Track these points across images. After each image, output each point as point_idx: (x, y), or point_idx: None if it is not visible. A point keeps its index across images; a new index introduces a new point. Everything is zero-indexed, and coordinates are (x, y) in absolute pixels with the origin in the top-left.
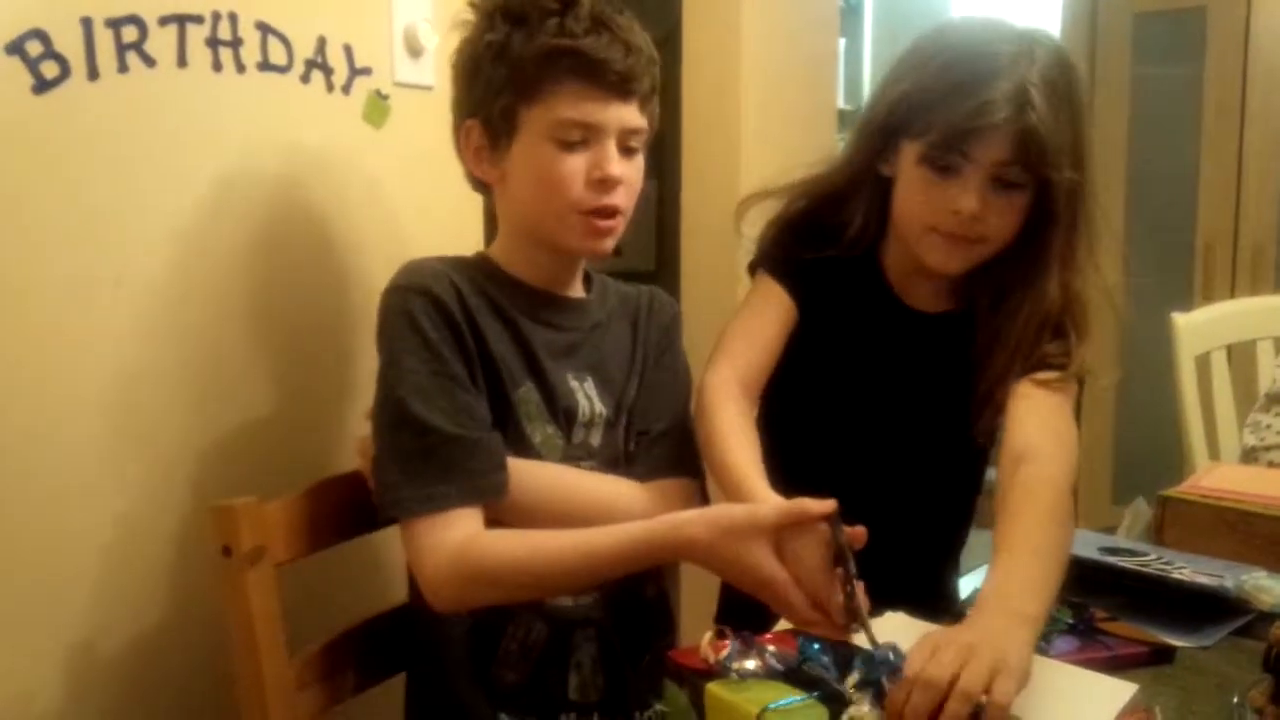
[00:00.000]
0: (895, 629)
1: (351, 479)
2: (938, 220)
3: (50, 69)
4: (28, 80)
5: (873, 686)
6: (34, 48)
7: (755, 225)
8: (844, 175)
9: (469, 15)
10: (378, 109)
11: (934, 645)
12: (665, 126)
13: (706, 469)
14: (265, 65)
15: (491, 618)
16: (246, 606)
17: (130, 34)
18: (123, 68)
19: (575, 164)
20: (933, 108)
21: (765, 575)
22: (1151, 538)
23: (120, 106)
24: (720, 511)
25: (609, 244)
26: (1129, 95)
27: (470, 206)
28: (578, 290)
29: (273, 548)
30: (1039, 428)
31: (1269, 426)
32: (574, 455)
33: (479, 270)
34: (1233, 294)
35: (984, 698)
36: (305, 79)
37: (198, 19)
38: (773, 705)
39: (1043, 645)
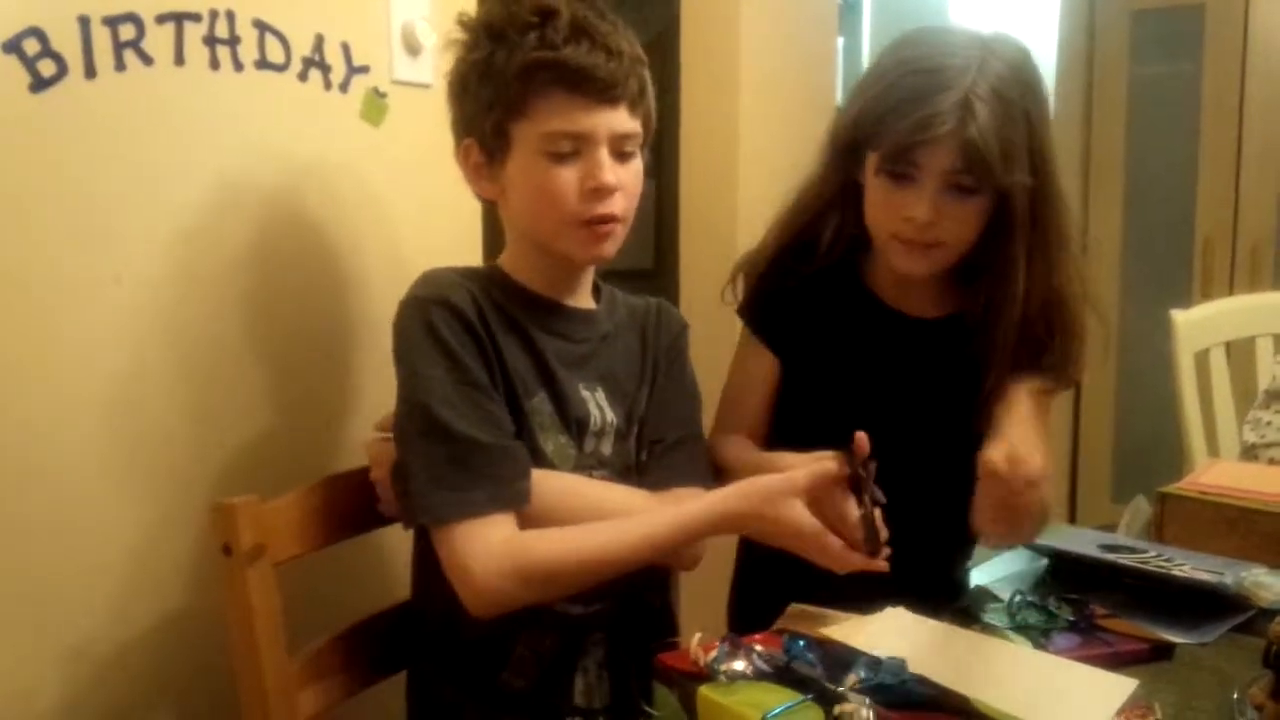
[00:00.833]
0: (897, 626)
1: (351, 478)
2: (896, 227)
3: (47, 67)
4: (25, 79)
5: (872, 689)
6: (31, 46)
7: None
8: (815, 191)
9: (459, 34)
10: (376, 107)
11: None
12: (663, 125)
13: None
14: (263, 63)
15: (505, 625)
16: (247, 605)
17: (127, 32)
18: (120, 66)
19: (568, 176)
20: (884, 121)
21: (804, 529)
22: (1151, 535)
23: (118, 105)
24: (754, 482)
25: (610, 249)
26: (1127, 93)
27: (469, 204)
28: (587, 301)
29: (273, 546)
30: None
31: (1269, 423)
32: (585, 465)
33: (491, 281)
34: (1231, 291)
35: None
36: (303, 77)
37: (195, 17)
38: (771, 714)
39: (1043, 642)
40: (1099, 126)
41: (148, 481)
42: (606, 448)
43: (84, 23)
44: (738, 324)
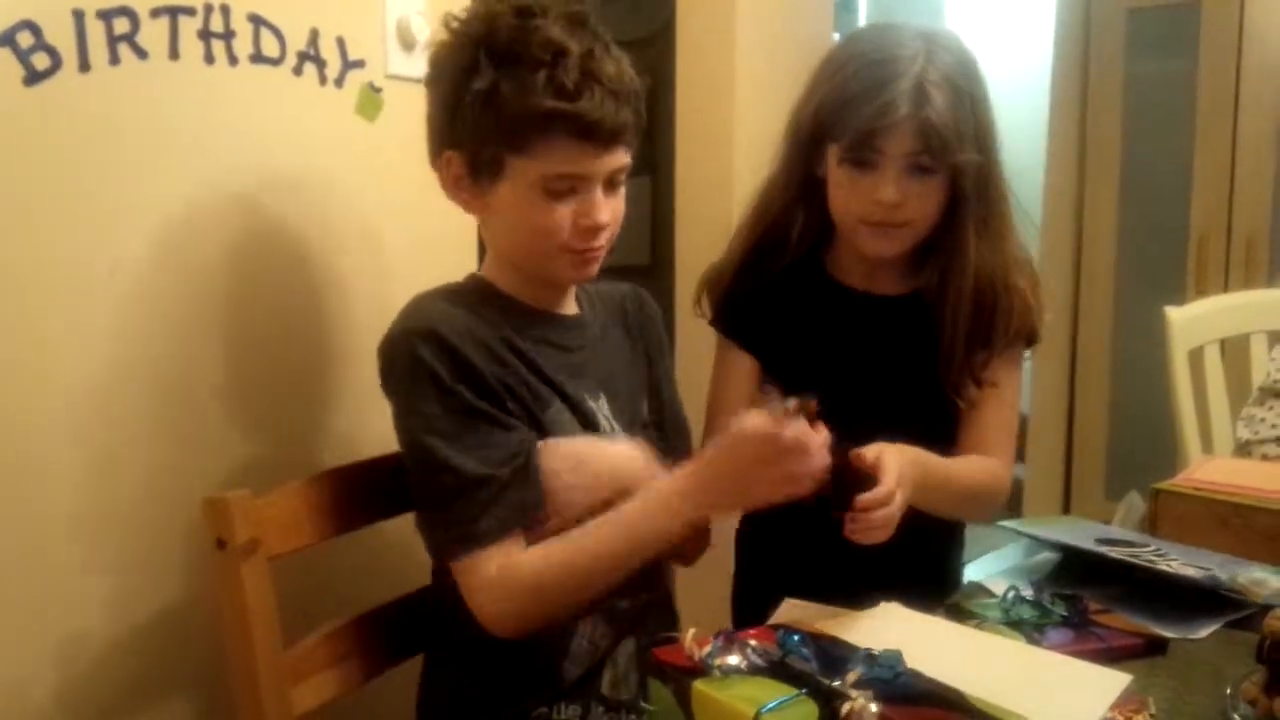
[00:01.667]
0: (890, 621)
1: (346, 473)
2: (865, 212)
3: (41, 60)
4: (19, 72)
5: (872, 685)
6: (25, 39)
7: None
8: (779, 190)
9: (446, 36)
10: (371, 102)
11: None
12: (659, 121)
13: None
14: (257, 57)
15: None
16: (241, 599)
17: (122, 25)
18: (114, 59)
19: (563, 212)
20: (843, 112)
21: (783, 443)
22: (1145, 531)
23: (112, 98)
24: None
25: (595, 271)
26: (1122, 90)
27: None
28: (572, 307)
29: (267, 540)
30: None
31: (1263, 420)
32: None
33: (482, 300)
34: (1226, 288)
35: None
36: (298, 71)
37: (189, 11)
38: (766, 708)
39: (1036, 637)
40: (1094, 123)
41: (139, 475)
42: None
43: (78, 16)
44: None
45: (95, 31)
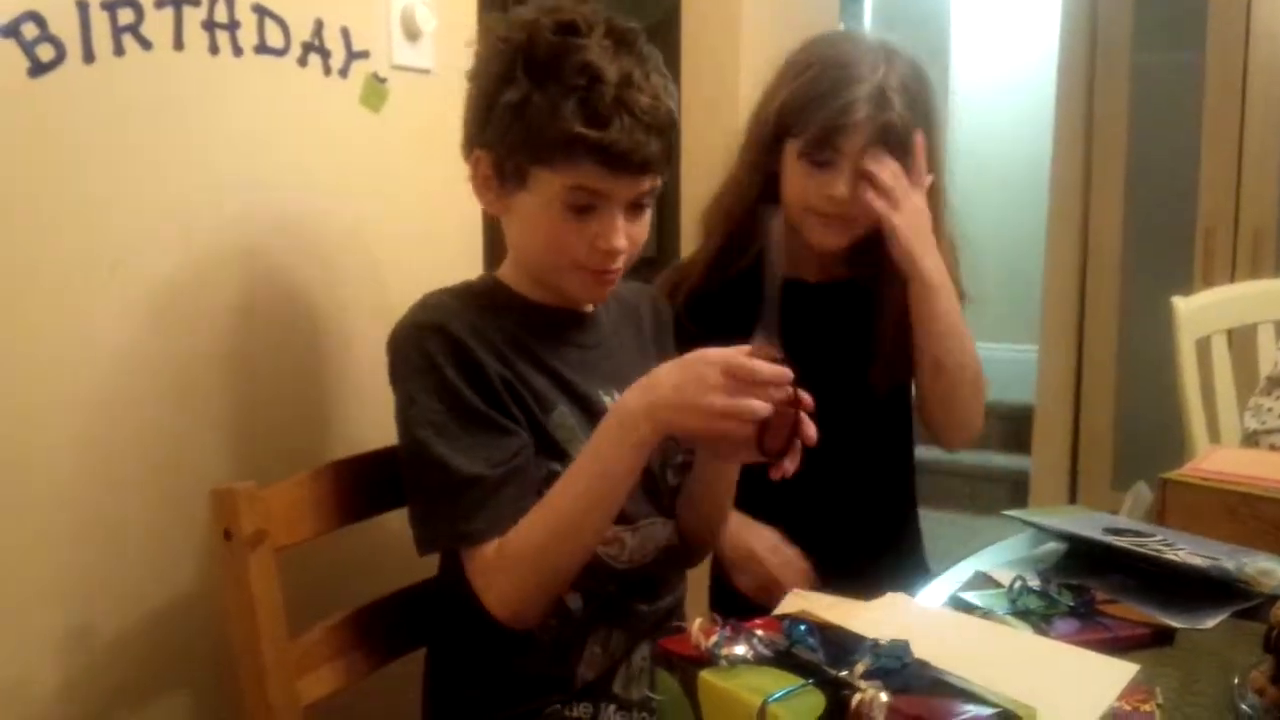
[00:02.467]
0: (897, 611)
1: (352, 464)
2: (816, 204)
3: (46, 52)
4: (23, 63)
5: (880, 675)
6: (29, 30)
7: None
8: (741, 189)
9: (487, 37)
10: (375, 92)
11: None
12: None
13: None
14: (262, 48)
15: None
16: (247, 590)
17: (126, 16)
18: (119, 50)
19: (581, 230)
20: (805, 111)
21: (734, 369)
22: (1153, 521)
23: (116, 90)
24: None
25: (608, 293)
26: (1129, 80)
27: (468, 191)
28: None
29: (273, 532)
30: None
31: (1270, 410)
32: None
33: (494, 300)
34: (1233, 278)
35: None
36: (302, 62)
37: (194, 1)
38: (773, 697)
39: (1043, 627)
40: (1101, 114)
41: (143, 468)
42: None
43: (83, 7)
44: None
45: (100, 22)
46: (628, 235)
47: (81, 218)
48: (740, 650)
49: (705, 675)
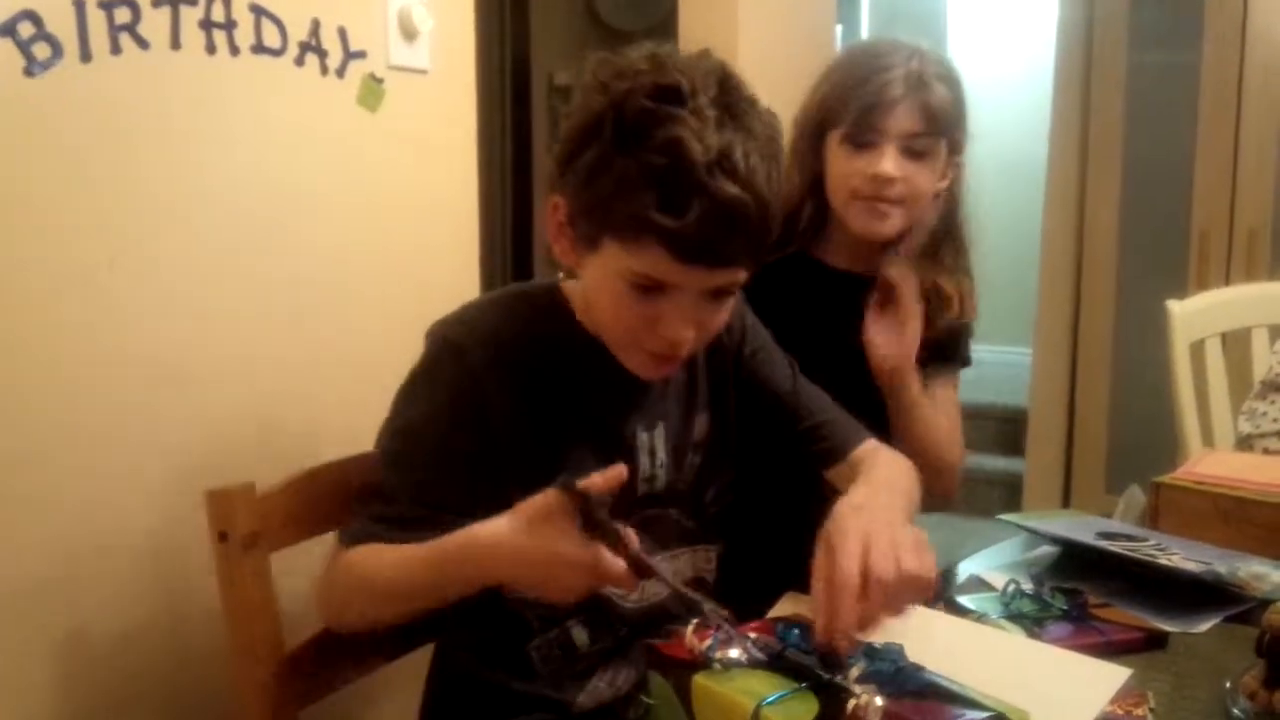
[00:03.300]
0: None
1: (347, 466)
2: (860, 186)
3: (42, 50)
4: (20, 62)
5: (874, 679)
6: (26, 29)
7: None
8: (789, 183)
9: (590, 78)
10: (372, 92)
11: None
12: None
13: None
14: (259, 48)
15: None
16: (243, 591)
17: (123, 15)
18: (116, 49)
19: (646, 311)
20: (845, 97)
21: (583, 555)
22: (1146, 525)
23: (113, 88)
24: (517, 509)
25: (667, 375)
26: (1125, 81)
27: (465, 190)
28: None
29: (268, 534)
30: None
31: (1264, 414)
32: (640, 505)
33: (546, 318)
34: (1227, 281)
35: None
36: (299, 62)
37: (191, 0)
38: (766, 701)
39: (1036, 630)
40: (1097, 115)
41: (139, 468)
42: (659, 483)
43: (79, 6)
44: None
45: (96, 21)
46: (699, 323)
47: (79, 216)
48: (734, 653)
49: (699, 679)
